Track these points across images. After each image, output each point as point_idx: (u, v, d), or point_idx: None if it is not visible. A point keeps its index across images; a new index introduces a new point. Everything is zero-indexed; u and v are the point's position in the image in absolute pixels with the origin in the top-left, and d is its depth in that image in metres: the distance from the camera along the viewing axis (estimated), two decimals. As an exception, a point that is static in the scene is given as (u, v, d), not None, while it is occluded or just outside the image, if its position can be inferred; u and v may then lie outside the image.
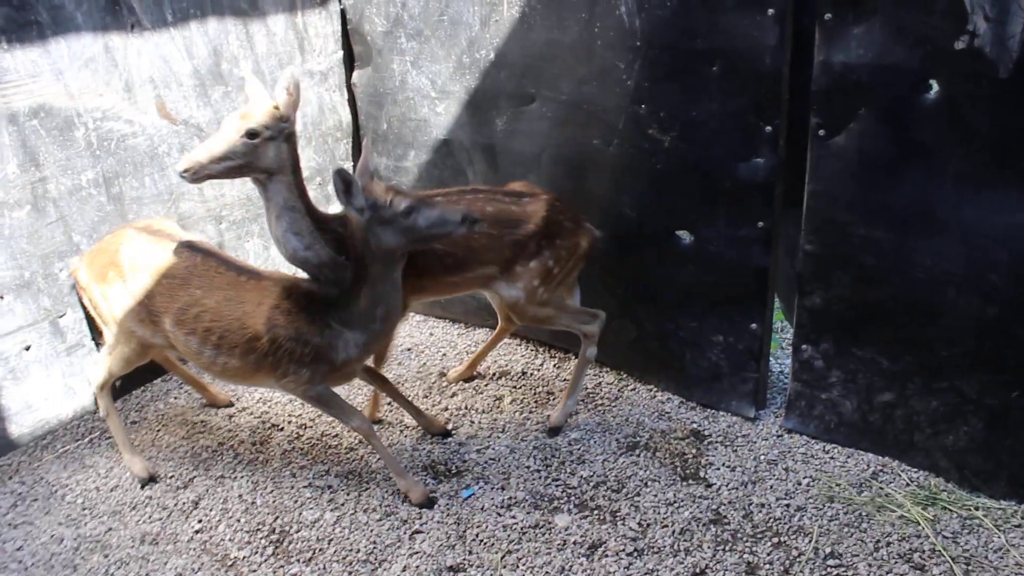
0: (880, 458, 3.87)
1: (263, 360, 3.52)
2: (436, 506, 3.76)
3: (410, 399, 4.30)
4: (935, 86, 3.27)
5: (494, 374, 4.83)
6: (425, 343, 5.25)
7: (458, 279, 3.94)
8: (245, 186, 5.00)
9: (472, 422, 4.38)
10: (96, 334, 4.37)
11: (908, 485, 3.70)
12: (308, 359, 3.52)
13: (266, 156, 3.41)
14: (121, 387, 4.64)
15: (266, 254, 5.23)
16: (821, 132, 3.57)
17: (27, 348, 4.15)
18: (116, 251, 3.71)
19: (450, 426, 4.35)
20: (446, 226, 3.39)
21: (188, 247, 3.68)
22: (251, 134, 3.35)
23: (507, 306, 4.10)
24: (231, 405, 4.58)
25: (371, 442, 3.77)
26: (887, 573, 3.24)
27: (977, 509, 3.52)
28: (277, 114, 3.42)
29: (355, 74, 5.33)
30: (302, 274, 3.68)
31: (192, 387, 4.57)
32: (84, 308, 4.26)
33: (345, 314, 3.52)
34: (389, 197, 3.36)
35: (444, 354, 5.10)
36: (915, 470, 3.78)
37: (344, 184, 3.30)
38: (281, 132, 3.43)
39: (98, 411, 4.12)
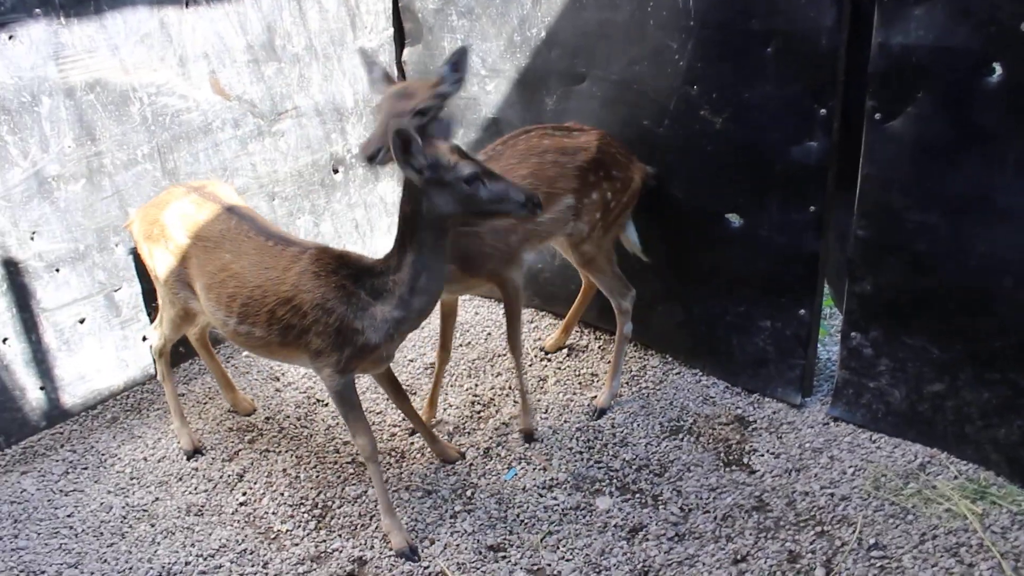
0: (928, 449, 3.80)
1: (288, 331, 3.33)
2: (477, 487, 3.78)
3: (428, 424, 4.15)
4: (998, 69, 3.17)
5: (537, 355, 4.82)
6: (470, 322, 5.26)
7: (542, 221, 3.80)
8: (298, 162, 5.04)
9: (516, 402, 4.38)
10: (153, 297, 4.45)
11: (957, 478, 3.63)
12: (332, 330, 3.27)
13: None
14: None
15: (316, 230, 5.27)
16: (877, 115, 3.50)
17: (81, 321, 4.24)
18: (162, 210, 3.70)
19: (493, 407, 4.36)
20: (508, 204, 3.11)
21: (227, 211, 3.58)
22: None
23: (570, 243, 4.06)
24: (253, 412, 4.45)
25: (369, 465, 3.54)
26: (932, 567, 3.19)
27: (1028, 504, 3.45)
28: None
29: (405, 51, 5.33)
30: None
31: (219, 386, 4.46)
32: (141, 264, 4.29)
33: (380, 283, 3.24)
34: (453, 159, 3.06)
35: (489, 333, 5.10)
36: (964, 463, 3.71)
37: (403, 142, 2.95)
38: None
39: (156, 376, 4.15)
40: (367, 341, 3.28)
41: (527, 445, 4.03)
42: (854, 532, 3.39)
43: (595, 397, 4.32)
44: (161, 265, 3.70)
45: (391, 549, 3.48)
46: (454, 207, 3.09)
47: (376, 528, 3.56)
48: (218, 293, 3.44)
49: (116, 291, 4.34)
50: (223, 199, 3.69)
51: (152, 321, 4.32)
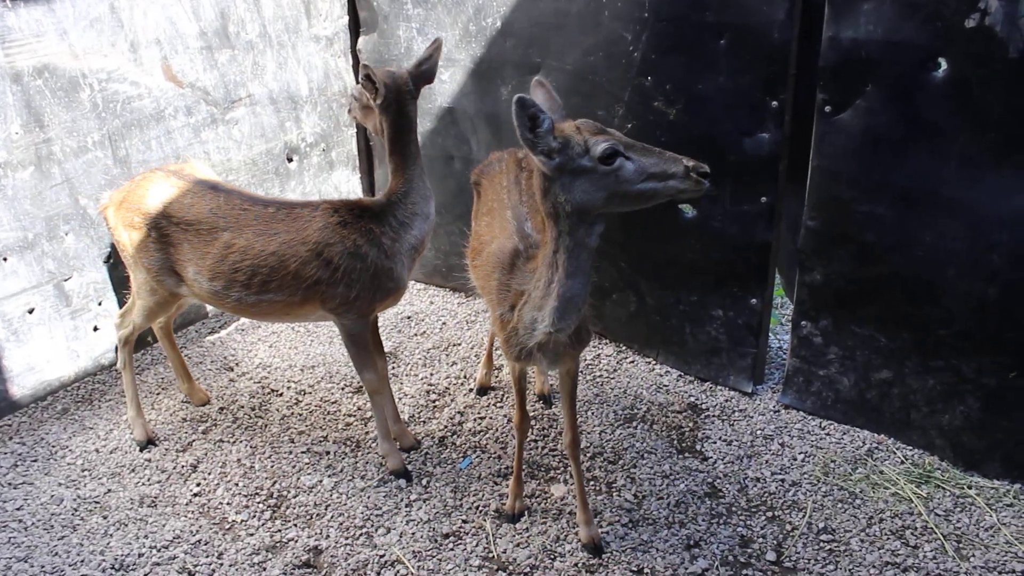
0: (876, 435, 3.89)
1: (314, 288, 3.43)
2: (432, 476, 3.79)
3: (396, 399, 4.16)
4: (944, 64, 3.25)
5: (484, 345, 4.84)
6: (425, 311, 5.26)
7: None
8: (252, 150, 5.00)
9: (470, 392, 4.39)
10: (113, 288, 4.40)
11: (903, 463, 3.73)
12: (368, 275, 3.42)
13: None
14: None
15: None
16: (827, 108, 3.56)
17: (31, 311, 4.17)
18: (143, 196, 3.65)
19: (448, 396, 4.37)
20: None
21: (212, 189, 3.62)
22: None
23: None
24: (208, 403, 4.40)
25: (374, 399, 3.75)
26: (879, 549, 3.27)
27: (970, 488, 3.54)
28: None
29: (360, 40, 5.30)
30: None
31: (177, 376, 4.39)
32: (113, 248, 4.24)
33: (405, 208, 3.47)
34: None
35: (444, 323, 5.11)
36: (910, 448, 3.80)
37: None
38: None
39: (116, 364, 4.09)
40: (399, 277, 3.50)
41: (486, 432, 4.05)
42: (804, 517, 3.46)
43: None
44: (143, 253, 3.65)
45: (387, 469, 3.79)
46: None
47: (331, 518, 3.56)
48: (225, 271, 3.48)
49: (66, 280, 4.28)
50: (204, 179, 3.70)
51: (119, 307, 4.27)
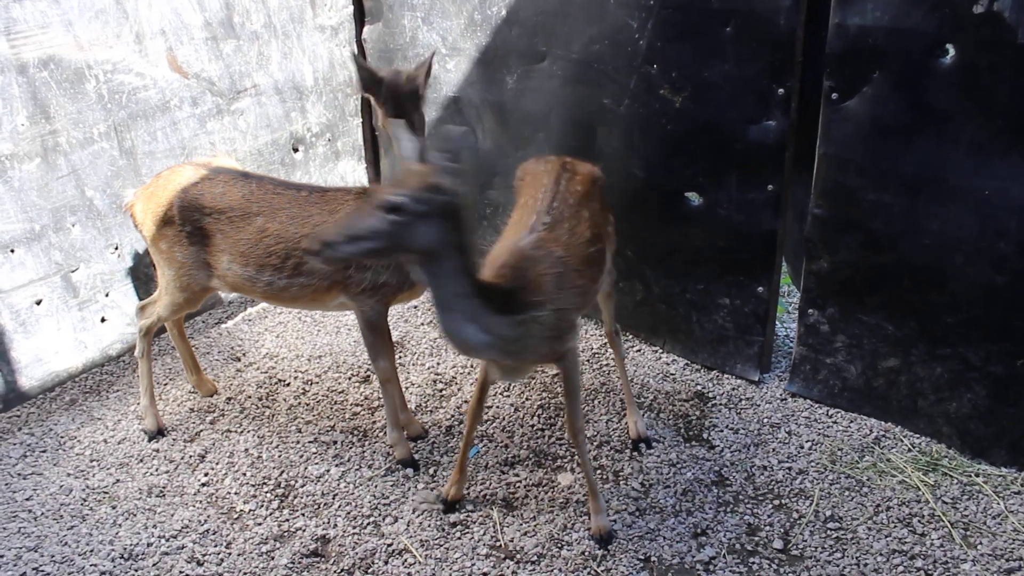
0: (883, 423, 3.89)
1: (342, 272, 3.47)
2: (439, 465, 3.80)
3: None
4: (952, 51, 3.24)
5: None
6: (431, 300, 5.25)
7: None
8: (257, 140, 5.00)
9: (476, 380, 4.38)
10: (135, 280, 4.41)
11: (910, 451, 3.72)
12: (388, 266, 3.46)
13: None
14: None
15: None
16: (834, 95, 3.54)
17: (38, 302, 4.17)
18: (173, 189, 3.67)
19: (455, 385, 4.38)
20: None
21: (243, 177, 3.68)
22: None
23: None
24: (215, 394, 4.41)
25: (386, 387, 3.77)
26: (886, 537, 3.27)
27: (977, 476, 3.54)
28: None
29: (365, 29, 5.29)
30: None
31: (185, 367, 4.39)
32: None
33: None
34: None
35: (451, 312, 5.11)
36: (917, 436, 3.80)
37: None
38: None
39: (135, 351, 4.09)
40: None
41: (493, 420, 4.05)
42: (811, 505, 3.46)
43: None
44: (176, 247, 3.68)
45: (395, 459, 3.81)
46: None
47: (339, 507, 3.57)
48: (259, 255, 3.53)
49: (73, 272, 4.28)
50: (232, 168, 3.79)
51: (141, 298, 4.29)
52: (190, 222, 3.63)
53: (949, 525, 3.31)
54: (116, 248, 4.41)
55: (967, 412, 3.63)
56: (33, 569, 3.31)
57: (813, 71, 3.64)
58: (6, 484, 3.79)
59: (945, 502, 3.43)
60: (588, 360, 4.51)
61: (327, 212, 3.52)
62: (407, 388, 4.35)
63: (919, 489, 3.50)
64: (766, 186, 3.87)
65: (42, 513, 3.61)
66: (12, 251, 4.02)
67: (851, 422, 3.93)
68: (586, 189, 3.35)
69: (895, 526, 3.33)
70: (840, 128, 3.58)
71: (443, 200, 2.59)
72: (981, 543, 3.23)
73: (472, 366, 4.52)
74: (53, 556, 3.37)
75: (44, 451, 4.00)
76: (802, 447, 3.80)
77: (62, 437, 4.09)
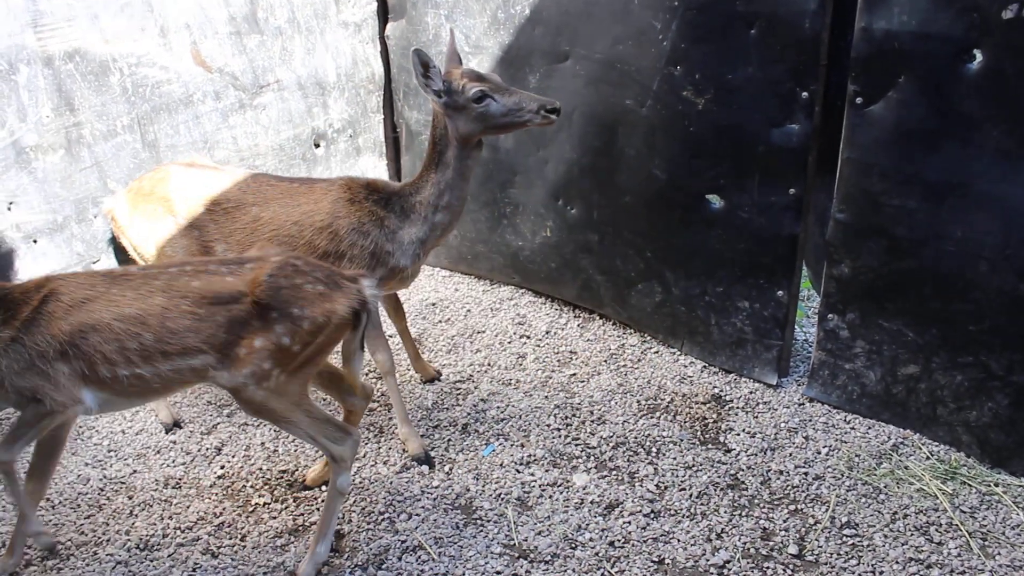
0: (901, 431, 3.86)
1: (324, 259, 3.53)
2: (455, 462, 3.80)
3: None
4: (979, 57, 3.21)
5: (516, 332, 4.84)
6: (450, 298, 5.27)
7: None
8: (279, 136, 5.01)
9: (493, 379, 4.40)
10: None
11: (928, 459, 3.69)
12: (367, 253, 3.56)
13: None
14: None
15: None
16: (858, 100, 3.52)
17: (59, 290, 4.20)
18: (164, 186, 3.73)
19: (472, 383, 4.38)
20: (522, 114, 3.43)
21: (239, 171, 3.79)
22: None
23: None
24: None
25: (387, 379, 3.84)
26: (903, 545, 3.25)
27: (997, 485, 3.51)
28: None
29: (389, 26, 5.30)
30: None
31: None
32: (119, 250, 4.27)
33: (408, 203, 3.58)
34: (462, 83, 3.40)
35: (469, 310, 5.12)
36: (936, 444, 3.77)
37: (423, 65, 3.36)
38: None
39: None
40: (396, 263, 3.62)
41: (509, 419, 4.05)
42: (827, 511, 3.44)
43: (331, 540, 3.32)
44: (167, 242, 3.71)
45: (408, 455, 3.83)
46: (471, 126, 3.44)
47: (354, 503, 3.58)
48: (252, 243, 3.60)
49: (95, 263, 4.31)
50: (219, 168, 3.90)
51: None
52: (183, 214, 3.69)
53: (967, 535, 3.28)
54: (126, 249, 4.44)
55: (988, 421, 3.60)
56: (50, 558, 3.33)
57: (837, 74, 3.62)
58: (24, 472, 3.81)
59: (963, 511, 3.40)
60: (605, 361, 4.50)
61: (311, 201, 3.64)
62: (423, 387, 4.35)
63: (937, 497, 3.47)
64: (788, 190, 3.85)
65: (60, 502, 3.63)
66: (35, 241, 4.05)
67: (869, 428, 3.91)
68: None
69: (912, 534, 3.31)
70: (864, 132, 3.56)
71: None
72: (999, 553, 3.20)
73: (488, 364, 4.52)
74: (70, 545, 3.39)
75: (63, 440, 4.03)
76: (819, 452, 3.78)
77: (80, 427, 4.11)
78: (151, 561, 3.30)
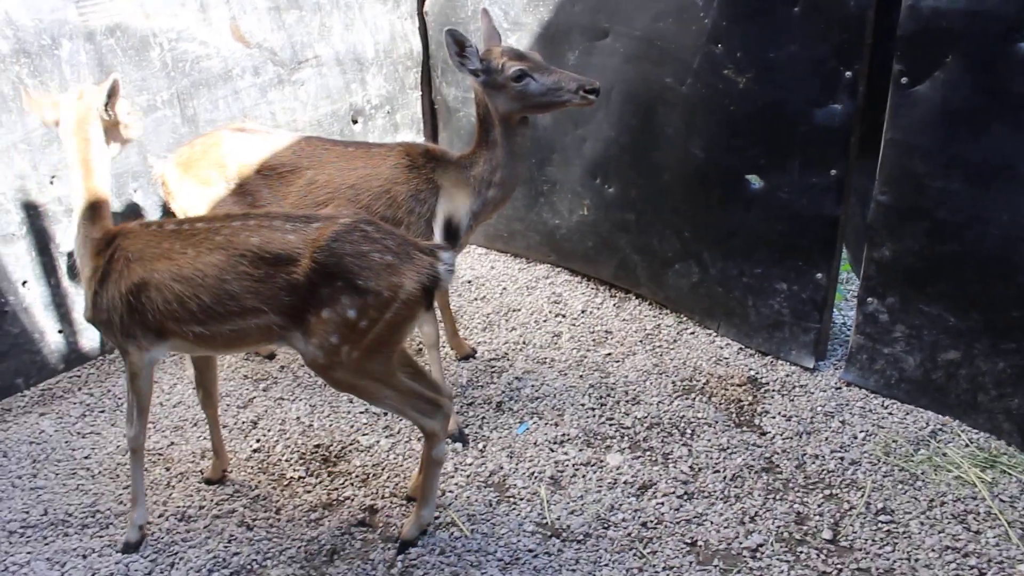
0: (940, 417, 3.80)
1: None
2: (488, 440, 3.81)
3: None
4: (1029, 36, 3.13)
5: (552, 310, 4.83)
6: (486, 276, 5.27)
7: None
8: (317, 111, 5.02)
9: (528, 357, 4.40)
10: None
11: (967, 446, 3.64)
12: (424, 220, 3.55)
13: None
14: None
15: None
16: (904, 79, 3.45)
17: (99, 263, 4.25)
18: (216, 151, 3.74)
19: (507, 361, 4.38)
20: (561, 94, 3.40)
21: (291, 134, 3.80)
22: None
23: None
24: (274, 357, 4.47)
25: (430, 353, 3.83)
26: (939, 532, 3.21)
27: (1038, 474, 3.46)
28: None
29: (427, 2, 5.28)
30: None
31: None
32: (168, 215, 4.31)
33: (463, 176, 3.58)
34: (501, 61, 3.39)
35: (504, 288, 5.11)
36: (976, 431, 3.71)
37: (457, 44, 3.35)
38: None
39: None
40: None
41: (543, 398, 4.05)
42: (862, 496, 3.41)
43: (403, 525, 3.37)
44: (221, 208, 3.71)
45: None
46: (511, 104, 3.44)
47: (387, 478, 3.60)
48: (307, 207, 3.59)
49: (134, 236, 4.35)
50: (271, 131, 3.91)
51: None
52: (236, 179, 3.71)
53: (1006, 524, 3.23)
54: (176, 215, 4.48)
55: (1029, 408, 3.54)
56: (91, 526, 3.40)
57: (881, 54, 3.55)
58: (66, 442, 3.89)
59: (1003, 500, 3.35)
60: (640, 341, 4.48)
61: (370, 166, 3.64)
62: (458, 364, 4.36)
63: (975, 486, 3.42)
64: (829, 171, 3.80)
65: (99, 472, 3.70)
66: (77, 215, 4.10)
67: (907, 414, 3.86)
68: None
69: (949, 522, 3.26)
70: (908, 113, 3.49)
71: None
72: (1038, 543, 3.16)
73: (524, 343, 4.51)
74: (108, 513, 3.44)
75: (103, 411, 4.09)
76: (855, 437, 3.74)
77: (120, 398, 4.17)
78: (188, 532, 3.35)
